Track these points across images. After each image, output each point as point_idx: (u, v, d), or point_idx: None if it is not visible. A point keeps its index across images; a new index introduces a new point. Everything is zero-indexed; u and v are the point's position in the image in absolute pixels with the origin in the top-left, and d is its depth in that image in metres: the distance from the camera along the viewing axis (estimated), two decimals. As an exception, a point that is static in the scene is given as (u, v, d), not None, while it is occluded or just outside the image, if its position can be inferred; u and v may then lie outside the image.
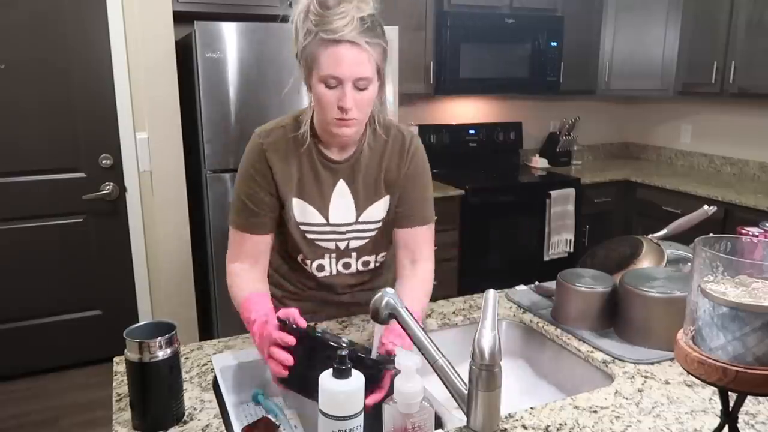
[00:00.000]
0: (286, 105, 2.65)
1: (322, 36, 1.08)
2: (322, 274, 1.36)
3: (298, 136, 1.25)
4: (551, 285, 1.49)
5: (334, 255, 1.34)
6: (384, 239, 1.36)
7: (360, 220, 1.31)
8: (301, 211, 1.28)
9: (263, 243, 1.30)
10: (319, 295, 1.41)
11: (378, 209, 1.32)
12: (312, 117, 1.25)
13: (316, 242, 1.31)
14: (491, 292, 0.94)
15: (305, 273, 1.38)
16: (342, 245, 1.33)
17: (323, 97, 1.14)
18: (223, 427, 0.98)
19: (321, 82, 1.13)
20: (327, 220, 1.29)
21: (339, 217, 1.30)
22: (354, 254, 1.35)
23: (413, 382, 0.88)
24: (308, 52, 1.12)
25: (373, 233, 1.33)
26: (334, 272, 1.36)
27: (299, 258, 1.35)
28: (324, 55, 1.10)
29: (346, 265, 1.36)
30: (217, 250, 2.66)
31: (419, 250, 1.33)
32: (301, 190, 1.27)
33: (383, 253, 1.40)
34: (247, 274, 1.28)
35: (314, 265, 1.35)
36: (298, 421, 1.12)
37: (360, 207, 1.30)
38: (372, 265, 1.39)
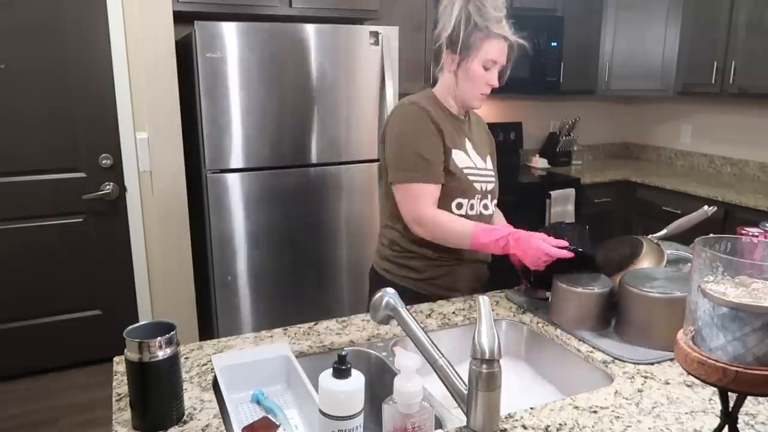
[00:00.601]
0: (285, 105, 2.65)
1: (495, 31, 1.46)
2: (473, 212, 1.58)
3: (437, 105, 1.56)
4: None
5: (479, 196, 1.59)
6: (497, 187, 1.67)
7: (488, 167, 1.63)
8: (461, 158, 1.54)
9: (438, 192, 1.50)
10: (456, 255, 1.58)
11: (490, 162, 1.66)
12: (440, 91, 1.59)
13: (474, 183, 1.56)
14: (483, 298, 0.94)
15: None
16: (485, 187, 1.60)
17: (479, 76, 1.50)
18: (223, 427, 0.98)
19: (481, 65, 1.49)
20: (475, 164, 1.57)
21: (480, 163, 1.60)
22: (489, 196, 1.62)
23: (413, 382, 0.88)
24: (473, 40, 1.46)
25: (495, 179, 1.66)
26: (478, 213, 1.59)
27: (454, 203, 1.54)
28: (490, 44, 1.47)
29: (485, 207, 1.61)
30: (216, 249, 2.67)
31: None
32: (455, 143, 1.54)
33: (495, 201, 1.68)
34: (444, 213, 1.49)
35: (469, 204, 1.56)
36: (299, 421, 1.12)
37: (483, 156, 1.63)
38: (491, 209, 1.65)
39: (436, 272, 1.58)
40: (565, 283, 1.33)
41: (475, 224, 1.45)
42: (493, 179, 1.64)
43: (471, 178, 1.55)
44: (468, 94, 1.54)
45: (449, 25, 1.47)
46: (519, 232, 1.38)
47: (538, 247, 1.30)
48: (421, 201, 1.48)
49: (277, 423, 1.06)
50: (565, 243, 1.32)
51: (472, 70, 1.49)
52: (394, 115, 1.56)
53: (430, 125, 1.50)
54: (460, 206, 1.55)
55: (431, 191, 1.48)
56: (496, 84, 1.53)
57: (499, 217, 1.75)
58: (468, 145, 1.59)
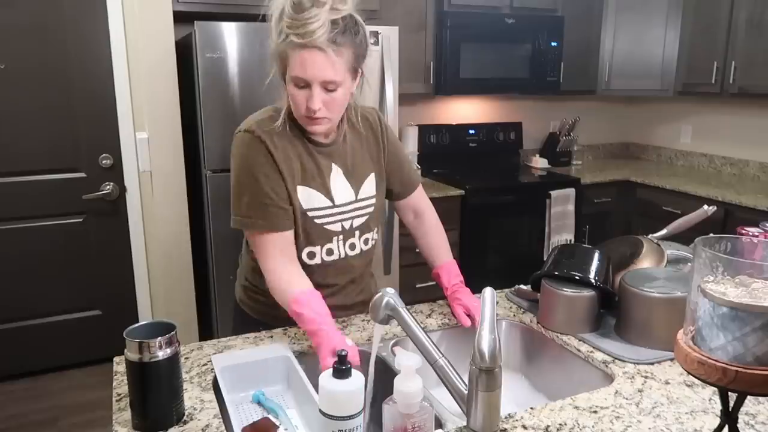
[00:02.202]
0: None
1: (293, 39, 1.12)
2: (332, 258, 1.37)
3: (292, 124, 1.27)
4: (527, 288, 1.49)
5: (341, 236, 1.36)
6: (376, 214, 1.42)
7: (359, 197, 1.37)
8: (308, 197, 1.30)
9: (290, 236, 1.28)
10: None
11: (370, 185, 1.39)
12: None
13: (324, 226, 1.33)
14: (488, 290, 0.94)
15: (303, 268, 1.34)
16: (347, 225, 1.36)
17: (294, 96, 1.19)
18: (223, 427, 0.98)
19: (292, 82, 1.17)
20: (333, 201, 1.33)
21: (342, 197, 1.34)
22: (357, 233, 1.38)
23: (413, 382, 0.88)
24: (281, 51, 1.16)
25: (371, 209, 1.39)
26: (342, 255, 1.38)
27: (304, 253, 1.33)
28: (294, 58, 1.14)
29: (352, 246, 1.39)
30: (216, 249, 2.66)
31: (419, 205, 1.51)
32: (304, 177, 1.29)
33: (376, 229, 1.45)
34: (287, 267, 1.25)
35: (324, 250, 1.35)
36: (299, 421, 1.12)
37: (356, 185, 1.36)
38: (370, 243, 1.44)
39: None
40: (552, 286, 1.32)
41: (306, 291, 1.21)
42: (367, 210, 1.38)
43: (319, 221, 1.31)
44: (297, 117, 1.24)
45: (271, 32, 1.17)
46: (329, 333, 1.12)
47: (323, 361, 1.09)
48: (264, 251, 1.25)
49: (278, 423, 1.06)
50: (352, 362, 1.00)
51: (288, 90, 1.20)
52: (234, 143, 1.28)
53: (262, 158, 1.23)
54: (312, 255, 1.34)
55: (275, 240, 1.24)
56: (315, 107, 1.16)
57: (438, 248, 1.47)
58: (333, 173, 1.32)
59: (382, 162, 1.41)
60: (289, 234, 1.27)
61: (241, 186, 1.26)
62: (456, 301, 1.38)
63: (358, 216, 1.37)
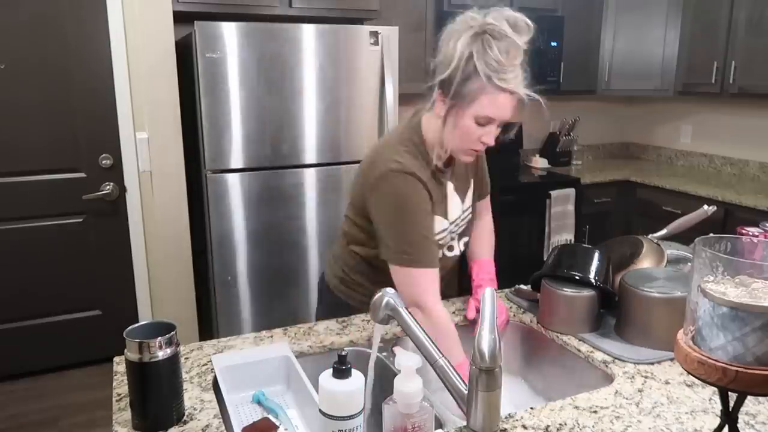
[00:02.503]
0: (285, 105, 2.65)
1: (495, 82, 1.16)
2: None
3: (423, 157, 1.32)
4: (528, 288, 1.50)
5: (446, 247, 1.44)
6: (473, 218, 1.52)
7: (464, 208, 1.45)
8: (438, 224, 1.36)
9: (437, 275, 1.31)
10: None
11: (470, 194, 1.49)
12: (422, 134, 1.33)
13: (440, 242, 1.38)
14: (489, 290, 0.94)
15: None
16: (452, 237, 1.44)
17: (470, 131, 1.23)
18: (223, 427, 0.98)
19: (473, 119, 1.21)
20: (448, 220, 1.39)
21: (455, 213, 1.42)
22: (456, 238, 1.46)
23: (413, 382, 0.88)
24: (470, 89, 1.18)
25: (470, 216, 1.49)
26: (440, 256, 1.41)
27: None
28: (489, 99, 1.18)
29: (450, 248, 1.45)
30: (216, 249, 2.66)
31: (481, 210, 1.59)
32: (436, 209, 1.35)
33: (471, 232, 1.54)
34: (446, 314, 1.28)
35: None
36: (299, 421, 1.12)
37: (462, 197, 1.45)
38: (465, 246, 1.51)
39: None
40: (552, 286, 1.32)
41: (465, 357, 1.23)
42: (468, 218, 1.48)
43: (441, 242, 1.38)
44: (454, 147, 1.28)
45: (447, 62, 1.19)
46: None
47: None
48: (423, 287, 1.27)
49: (278, 423, 1.06)
50: None
51: (461, 123, 1.22)
52: (387, 180, 1.27)
53: (424, 197, 1.29)
54: None
55: (432, 274, 1.28)
56: (491, 143, 1.25)
57: (481, 246, 1.55)
58: (450, 192, 1.40)
59: (476, 171, 1.51)
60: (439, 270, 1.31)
61: (406, 225, 1.28)
62: (475, 295, 1.46)
63: (460, 227, 1.45)
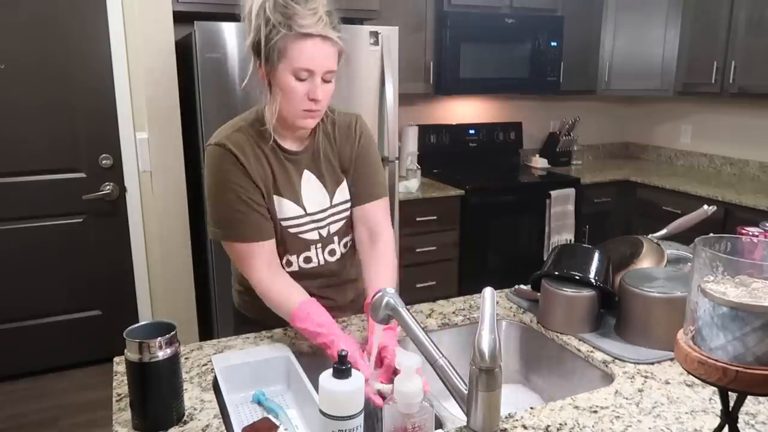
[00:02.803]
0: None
1: (296, 30, 1.11)
2: (310, 265, 1.37)
3: (260, 134, 1.26)
4: (528, 288, 1.49)
5: (319, 245, 1.36)
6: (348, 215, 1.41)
7: (334, 203, 1.35)
8: (280, 207, 1.29)
9: (272, 245, 1.27)
10: None
11: (344, 191, 1.37)
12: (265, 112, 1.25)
13: (299, 235, 1.32)
14: (488, 290, 0.94)
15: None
16: (324, 232, 1.35)
17: (293, 89, 1.16)
18: (223, 427, 0.98)
19: (291, 75, 1.15)
20: (305, 210, 1.31)
21: (314, 205, 1.32)
22: (335, 238, 1.37)
23: (413, 382, 0.88)
24: (275, 44, 1.13)
25: (347, 213, 1.38)
26: (322, 262, 1.37)
27: (284, 260, 1.33)
28: (296, 49, 1.13)
29: (332, 252, 1.38)
30: (217, 249, 2.66)
31: (376, 222, 1.37)
32: (276, 187, 1.28)
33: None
34: (275, 279, 1.25)
35: (301, 258, 1.35)
36: (299, 421, 1.12)
37: (330, 191, 1.34)
38: (350, 245, 1.42)
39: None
40: (552, 286, 1.32)
41: (303, 302, 1.19)
42: (344, 215, 1.36)
43: (293, 230, 1.30)
44: (288, 113, 1.21)
45: (248, 24, 1.17)
46: (337, 341, 1.12)
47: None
48: (247, 262, 1.24)
49: (278, 423, 1.06)
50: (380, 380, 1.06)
51: (282, 84, 1.16)
52: (206, 157, 1.26)
53: (235, 170, 1.22)
54: (289, 264, 1.34)
55: (258, 249, 1.23)
56: (319, 97, 1.17)
57: (378, 273, 1.30)
58: (304, 180, 1.31)
59: (351, 165, 1.37)
60: (271, 243, 1.27)
61: (216, 197, 1.25)
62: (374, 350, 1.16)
63: (334, 222, 1.36)
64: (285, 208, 1.29)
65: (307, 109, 1.19)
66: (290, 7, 1.11)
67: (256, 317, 1.41)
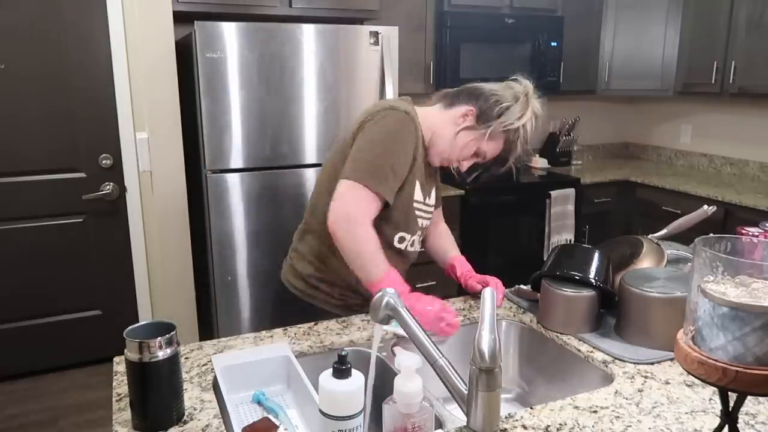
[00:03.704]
0: (285, 105, 2.65)
1: (516, 139, 1.41)
2: (412, 249, 1.52)
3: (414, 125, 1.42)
4: (528, 288, 1.50)
5: (419, 233, 1.51)
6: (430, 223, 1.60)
7: (428, 203, 1.52)
8: (416, 189, 1.44)
9: (378, 211, 1.37)
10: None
11: (433, 196, 1.55)
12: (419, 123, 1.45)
13: (419, 219, 1.48)
14: (488, 290, 0.94)
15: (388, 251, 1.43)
16: (426, 223, 1.53)
17: (465, 154, 1.44)
18: (223, 427, 0.98)
19: (474, 145, 1.42)
20: (425, 200, 1.48)
21: (429, 198, 1.51)
22: (420, 232, 1.53)
23: (413, 382, 0.88)
24: (496, 130, 1.39)
25: (432, 215, 1.56)
26: (414, 250, 1.54)
27: (396, 237, 1.45)
28: (498, 141, 1.43)
29: (420, 244, 1.57)
30: (216, 249, 2.66)
31: (439, 219, 1.69)
32: (419, 174, 1.44)
33: None
34: (376, 239, 1.33)
35: (409, 240, 1.48)
36: (299, 421, 1.12)
37: (427, 193, 1.51)
38: (422, 245, 1.60)
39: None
40: (552, 286, 1.32)
41: (393, 271, 1.31)
42: (431, 215, 1.56)
43: (418, 213, 1.47)
44: (440, 149, 1.44)
45: (500, 100, 1.39)
46: (417, 298, 1.31)
47: (435, 315, 1.29)
48: (363, 207, 1.32)
49: (278, 423, 1.06)
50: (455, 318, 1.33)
51: (469, 143, 1.42)
52: (382, 115, 1.37)
53: (412, 141, 1.38)
54: (402, 240, 1.46)
55: (377, 203, 1.34)
56: (463, 168, 1.47)
57: (451, 244, 1.68)
58: (422, 178, 1.48)
59: (436, 182, 1.59)
60: (382, 209, 1.37)
61: (385, 148, 1.35)
62: (471, 279, 1.56)
63: (428, 219, 1.53)
64: (418, 192, 1.45)
65: (449, 163, 1.48)
66: (526, 129, 1.41)
67: (319, 305, 1.51)
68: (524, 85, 1.41)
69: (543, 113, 1.41)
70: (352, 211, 1.30)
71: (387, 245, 1.40)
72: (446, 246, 1.66)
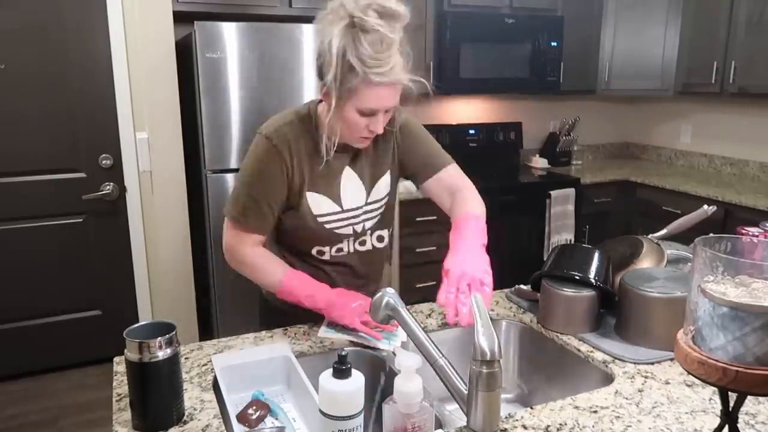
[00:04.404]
0: (285, 105, 2.65)
1: (372, 78, 1.13)
2: (341, 254, 1.41)
3: (308, 131, 1.30)
4: (528, 288, 1.49)
5: (352, 238, 1.39)
6: (389, 212, 1.45)
7: (369, 200, 1.38)
8: (317, 203, 1.33)
9: (263, 239, 1.35)
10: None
11: (383, 185, 1.40)
12: (315, 113, 1.31)
13: (335, 231, 1.36)
14: (474, 296, 0.95)
15: (312, 261, 1.40)
16: (358, 228, 1.38)
17: (356, 122, 1.21)
18: (223, 427, 0.98)
19: (356, 111, 1.19)
20: (341, 207, 1.35)
21: (351, 201, 1.36)
22: (368, 232, 1.41)
23: (413, 382, 0.88)
24: (349, 84, 1.15)
25: (382, 209, 1.41)
26: (352, 251, 1.41)
27: (314, 250, 1.38)
28: (367, 92, 1.16)
29: (362, 243, 1.42)
30: (217, 250, 2.66)
31: (451, 184, 1.43)
32: (313, 184, 1.32)
33: (391, 227, 1.48)
34: (263, 254, 1.33)
35: (333, 250, 1.39)
36: (300, 421, 1.12)
37: (369, 187, 1.37)
38: (385, 241, 1.46)
39: None
40: (552, 286, 1.32)
41: (291, 272, 1.31)
42: (378, 211, 1.40)
43: (329, 226, 1.34)
44: (344, 136, 1.26)
45: (322, 56, 1.17)
46: (336, 296, 1.29)
47: (351, 319, 1.27)
48: (232, 240, 1.33)
49: (279, 423, 1.06)
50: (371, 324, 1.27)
51: (346, 116, 1.20)
52: (254, 142, 1.31)
53: (272, 165, 1.27)
54: (321, 253, 1.38)
55: (251, 239, 1.32)
56: (379, 131, 1.23)
57: (464, 202, 1.39)
58: (344, 177, 1.34)
59: (395, 157, 1.40)
60: (263, 239, 1.34)
61: (243, 180, 1.30)
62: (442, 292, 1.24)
63: (369, 219, 1.40)
64: (322, 204, 1.33)
65: (364, 137, 1.26)
66: (371, 57, 1.12)
67: (285, 307, 1.41)
68: (333, 7, 1.17)
69: (389, 4, 1.13)
70: (231, 246, 1.33)
71: (307, 256, 1.39)
72: (457, 205, 1.39)
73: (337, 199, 1.34)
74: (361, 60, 1.12)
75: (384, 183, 1.40)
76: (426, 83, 1.24)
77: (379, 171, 1.39)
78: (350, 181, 1.35)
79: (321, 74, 1.19)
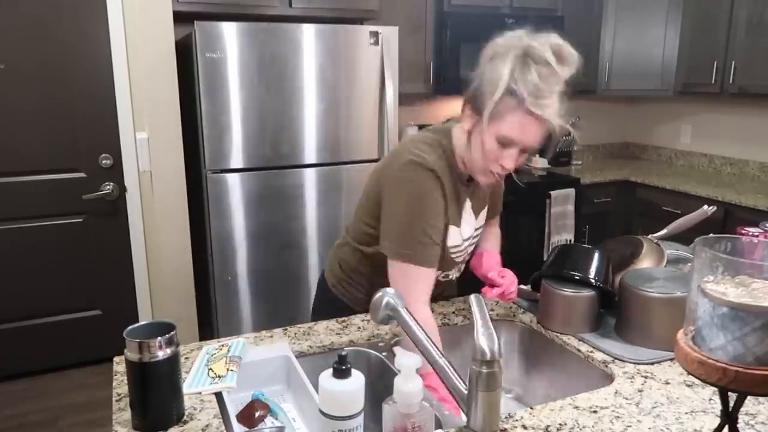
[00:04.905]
0: (285, 105, 2.65)
1: (528, 105, 1.10)
2: (445, 279, 1.43)
3: (451, 165, 1.28)
4: (528, 288, 1.49)
5: (456, 269, 1.43)
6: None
7: (477, 225, 1.41)
8: (453, 236, 1.33)
9: (435, 274, 1.29)
10: None
11: (482, 216, 1.43)
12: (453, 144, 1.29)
13: (455, 259, 1.38)
14: (474, 296, 0.95)
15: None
16: (466, 255, 1.43)
17: (491, 151, 1.18)
18: (223, 427, 0.98)
19: (495, 138, 1.16)
20: (462, 237, 1.36)
21: (467, 231, 1.38)
22: (462, 265, 1.45)
23: (413, 382, 0.88)
24: (502, 107, 1.13)
25: (478, 239, 1.46)
26: (448, 279, 1.44)
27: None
28: (516, 119, 1.13)
29: (459, 269, 1.45)
30: (216, 249, 2.66)
31: (494, 231, 1.57)
32: (452, 218, 1.32)
33: None
34: (431, 320, 1.26)
35: (442, 275, 1.40)
36: (300, 421, 1.12)
37: (478, 212, 1.40)
38: (459, 272, 1.48)
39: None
40: (552, 286, 1.32)
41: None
42: (476, 240, 1.45)
43: (453, 255, 1.36)
44: (474, 164, 1.23)
45: (485, 79, 1.15)
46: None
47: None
48: (415, 287, 1.24)
49: (279, 423, 1.06)
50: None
51: (484, 141, 1.17)
52: (407, 170, 1.23)
53: (437, 195, 1.24)
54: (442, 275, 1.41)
55: (428, 276, 1.25)
56: (510, 168, 1.19)
57: (492, 242, 1.54)
58: (467, 208, 1.36)
59: (493, 194, 1.48)
60: (436, 272, 1.29)
61: (411, 217, 1.24)
62: (491, 272, 1.41)
63: (471, 246, 1.43)
64: (453, 236, 1.33)
65: (493, 171, 1.21)
66: (535, 85, 1.09)
67: (353, 304, 1.47)
68: (509, 37, 1.14)
69: (566, 49, 1.11)
70: (405, 297, 1.12)
71: None
72: (483, 242, 1.51)
73: (463, 229, 1.36)
74: (526, 86, 1.10)
75: (483, 214, 1.43)
76: (570, 130, 1.19)
77: (482, 203, 1.42)
78: (468, 212, 1.37)
79: (475, 101, 1.17)
